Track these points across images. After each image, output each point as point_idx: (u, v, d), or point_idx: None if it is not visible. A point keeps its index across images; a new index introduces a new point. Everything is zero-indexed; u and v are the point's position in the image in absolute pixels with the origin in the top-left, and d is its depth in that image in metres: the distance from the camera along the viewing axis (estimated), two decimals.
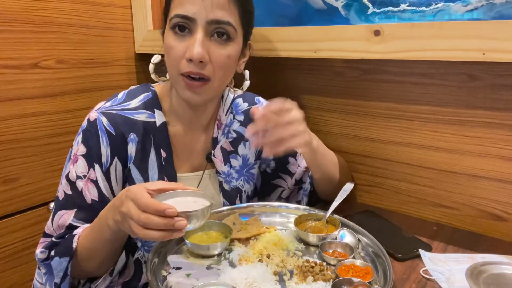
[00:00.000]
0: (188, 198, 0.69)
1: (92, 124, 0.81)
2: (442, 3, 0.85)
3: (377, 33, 0.88)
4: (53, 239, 0.79)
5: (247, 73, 0.92)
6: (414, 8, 0.89)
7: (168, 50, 0.80)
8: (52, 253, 0.78)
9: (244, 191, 1.00)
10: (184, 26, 0.78)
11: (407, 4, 0.89)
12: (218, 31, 0.78)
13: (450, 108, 0.95)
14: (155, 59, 0.88)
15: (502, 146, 0.90)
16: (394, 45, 0.87)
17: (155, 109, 0.87)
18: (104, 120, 0.81)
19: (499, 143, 0.90)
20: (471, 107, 0.92)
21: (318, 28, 0.96)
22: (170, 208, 0.60)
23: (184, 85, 0.80)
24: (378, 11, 0.93)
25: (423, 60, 0.92)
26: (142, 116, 0.85)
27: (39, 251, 0.79)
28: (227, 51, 0.80)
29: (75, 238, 0.76)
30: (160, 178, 0.86)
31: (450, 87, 0.94)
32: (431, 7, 0.87)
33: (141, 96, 0.87)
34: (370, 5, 0.94)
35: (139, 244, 0.86)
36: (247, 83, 0.91)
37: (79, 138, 0.82)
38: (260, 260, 0.75)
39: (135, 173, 0.84)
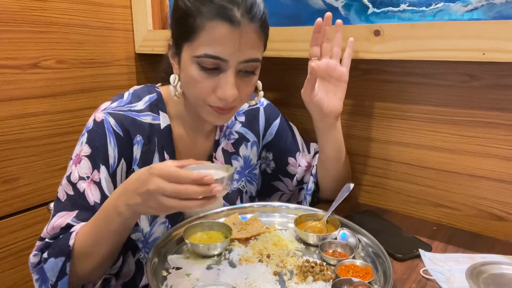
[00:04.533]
0: (208, 170, 0.70)
1: (99, 124, 0.80)
2: (442, 3, 0.85)
3: (377, 33, 0.88)
4: (46, 240, 0.76)
5: (259, 84, 0.89)
6: (414, 8, 0.89)
7: (194, 83, 0.77)
8: (45, 255, 0.74)
9: (246, 192, 1.00)
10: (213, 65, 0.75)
11: (407, 4, 0.89)
12: (247, 69, 0.77)
13: (450, 108, 0.95)
14: (175, 81, 0.82)
15: (502, 146, 0.90)
16: (394, 45, 0.87)
17: (160, 111, 0.86)
18: (112, 121, 0.81)
19: (499, 143, 0.90)
20: (471, 107, 0.92)
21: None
22: (206, 176, 0.61)
23: (213, 113, 0.80)
24: (378, 11, 0.93)
25: (423, 60, 0.92)
26: (148, 118, 0.85)
27: (32, 255, 0.76)
28: (253, 81, 0.81)
29: (72, 235, 0.73)
30: None
31: (450, 87, 0.94)
32: (431, 7, 0.87)
33: (146, 98, 0.87)
34: (370, 5, 0.94)
35: (140, 245, 0.86)
36: (261, 94, 0.90)
37: (83, 138, 0.80)
38: (260, 260, 0.75)
39: None
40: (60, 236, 0.76)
